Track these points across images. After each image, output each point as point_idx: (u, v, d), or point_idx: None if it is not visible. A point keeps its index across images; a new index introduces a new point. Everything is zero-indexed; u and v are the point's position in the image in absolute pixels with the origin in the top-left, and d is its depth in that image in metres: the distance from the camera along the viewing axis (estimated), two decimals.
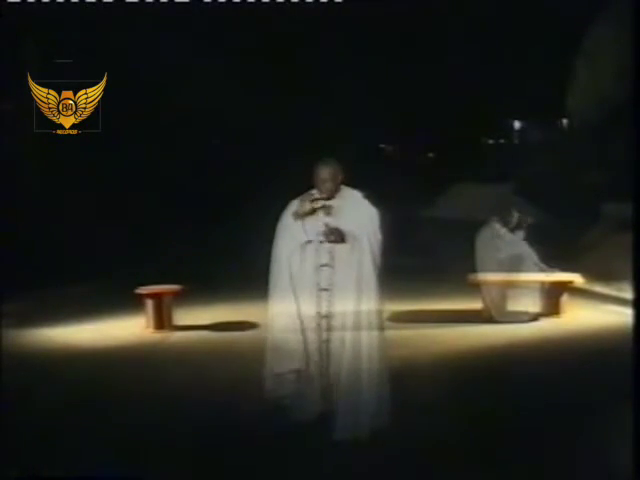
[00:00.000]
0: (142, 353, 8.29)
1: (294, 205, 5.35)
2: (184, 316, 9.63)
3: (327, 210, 5.29)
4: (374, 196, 5.42)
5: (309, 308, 5.27)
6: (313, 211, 5.27)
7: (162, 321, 9.28)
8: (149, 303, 9.31)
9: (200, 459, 5.10)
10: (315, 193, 5.33)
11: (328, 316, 5.25)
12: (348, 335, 5.18)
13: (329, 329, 5.25)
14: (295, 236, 5.27)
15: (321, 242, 5.24)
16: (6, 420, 5.45)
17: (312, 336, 5.27)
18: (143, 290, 9.36)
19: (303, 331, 5.26)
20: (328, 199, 5.30)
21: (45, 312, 10.13)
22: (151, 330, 9.26)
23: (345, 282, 5.21)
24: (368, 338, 5.19)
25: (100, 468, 4.89)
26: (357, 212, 5.28)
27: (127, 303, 9.72)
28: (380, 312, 5.28)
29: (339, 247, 5.23)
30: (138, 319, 9.47)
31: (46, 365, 7.76)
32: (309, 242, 5.25)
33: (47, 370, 7.53)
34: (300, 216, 5.26)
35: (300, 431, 5.20)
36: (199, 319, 9.72)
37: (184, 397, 6.39)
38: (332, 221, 5.25)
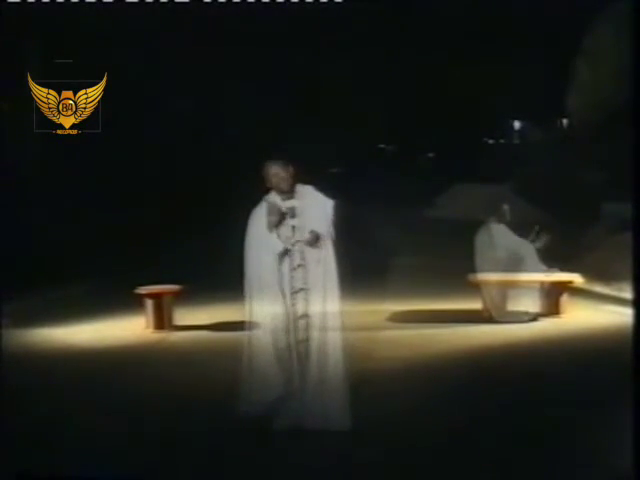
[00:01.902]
0: (142, 353, 8.30)
1: (259, 215, 5.37)
2: (184, 316, 9.62)
3: (291, 212, 5.37)
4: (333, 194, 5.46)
5: (288, 309, 5.33)
6: (283, 217, 5.33)
7: (162, 321, 9.29)
8: (149, 303, 9.31)
9: (199, 458, 5.10)
10: (275, 199, 5.36)
11: (307, 315, 5.31)
12: (328, 333, 5.26)
13: (308, 328, 5.30)
14: (272, 247, 5.32)
15: (293, 245, 5.31)
16: (6, 420, 5.44)
17: (292, 336, 5.32)
18: (143, 290, 9.36)
19: (285, 332, 5.31)
20: (289, 199, 5.37)
21: (45, 312, 10.14)
22: (151, 330, 9.26)
23: (316, 280, 5.29)
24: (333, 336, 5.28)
25: (100, 468, 4.90)
26: (317, 209, 5.36)
27: (127, 303, 9.72)
28: (342, 310, 5.34)
29: (308, 247, 5.31)
30: (138, 319, 9.47)
31: (46, 365, 7.76)
32: (285, 250, 5.31)
33: (47, 370, 7.53)
34: (273, 226, 5.32)
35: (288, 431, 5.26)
36: (199, 319, 9.72)
37: (184, 397, 6.39)
38: (298, 222, 5.34)
